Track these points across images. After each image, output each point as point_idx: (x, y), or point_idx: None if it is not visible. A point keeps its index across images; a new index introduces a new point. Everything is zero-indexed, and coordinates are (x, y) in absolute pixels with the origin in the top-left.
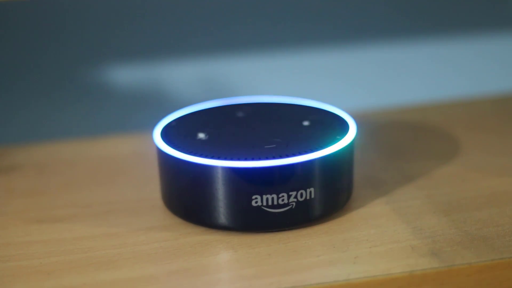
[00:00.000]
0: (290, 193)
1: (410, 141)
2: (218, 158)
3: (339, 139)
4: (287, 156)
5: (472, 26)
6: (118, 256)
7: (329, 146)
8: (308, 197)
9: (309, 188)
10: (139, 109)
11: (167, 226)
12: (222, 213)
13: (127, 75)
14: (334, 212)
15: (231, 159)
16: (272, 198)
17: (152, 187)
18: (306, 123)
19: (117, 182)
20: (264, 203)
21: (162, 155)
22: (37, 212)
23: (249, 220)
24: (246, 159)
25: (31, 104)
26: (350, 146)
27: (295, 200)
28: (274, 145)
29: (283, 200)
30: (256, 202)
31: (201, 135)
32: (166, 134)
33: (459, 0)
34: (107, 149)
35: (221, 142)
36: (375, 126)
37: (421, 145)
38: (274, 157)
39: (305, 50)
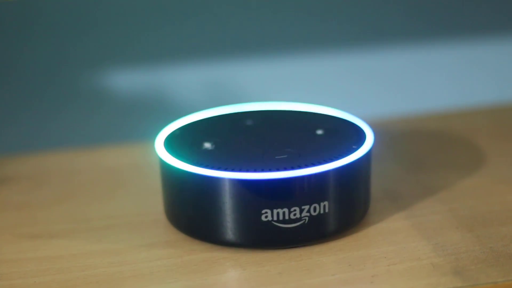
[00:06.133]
0: (303, 207)
1: (431, 151)
2: (225, 169)
3: (355, 149)
4: (300, 167)
5: (496, 29)
6: (118, 274)
7: (345, 156)
8: (322, 212)
9: (323, 201)
10: (140, 117)
11: (171, 242)
12: (229, 228)
13: (127, 80)
14: (350, 228)
15: (239, 170)
16: (283, 213)
17: (154, 201)
18: (319, 131)
19: (116, 195)
20: (275, 218)
21: (165, 166)
22: (31, 227)
23: (259, 236)
24: (255, 170)
25: (24, 112)
26: (367, 157)
27: (308, 214)
28: (286, 156)
29: (295, 214)
30: (266, 217)
31: (207, 145)
32: (169, 144)
33: (482, 1)
34: (106, 160)
35: (229, 152)
36: (393, 135)
37: (443, 155)
38: (285, 169)
39: (318, 54)
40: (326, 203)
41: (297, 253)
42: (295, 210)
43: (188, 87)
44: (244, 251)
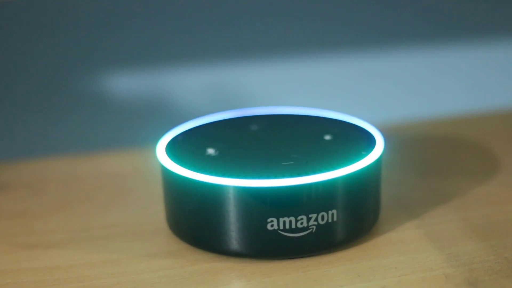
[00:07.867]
0: (310, 215)
1: (444, 157)
2: (230, 176)
3: (364, 155)
4: (307, 174)
5: (510, 30)
6: (118, 285)
7: (354, 163)
8: (330, 220)
9: (331, 210)
10: (142, 122)
11: (173, 252)
12: (234, 237)
13: (127, 84)
14: (359, 237)
15: (244, 177)
16: (290, 221)
17: (155, 209)
18: (327, 137)
19: (116, 203)
20: (281, 227)
21: (166, 173)
22: (27, 236)
23: (264, 246)
24: (260, 177)
25: (23, 117)
26: (377, 163)
27: (316, 223)
28: (292, 162)
29: (302, 223)
30: (272, 226)
31: (211, 151)
32: (171, 150)
33: (496, 2)
34: (106, 167)
35: (233, 159)
36: (404, 140)
37: (456, 162)
38: (292, 175)
39: (325, 57)
40: (334, 211)
41: (304, 263)
42: (302, 219)
43: (191, 91)
44: (249, 261)
